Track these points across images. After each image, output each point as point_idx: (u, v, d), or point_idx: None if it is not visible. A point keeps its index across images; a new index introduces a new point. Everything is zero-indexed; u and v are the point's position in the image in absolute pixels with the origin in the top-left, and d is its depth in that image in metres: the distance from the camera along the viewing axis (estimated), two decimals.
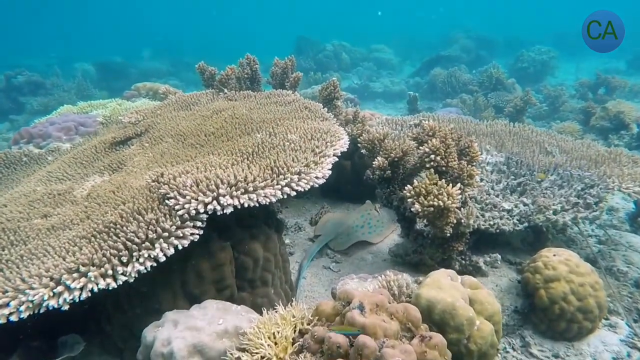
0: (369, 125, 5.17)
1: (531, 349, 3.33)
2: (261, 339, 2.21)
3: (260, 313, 3.04)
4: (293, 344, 2.20)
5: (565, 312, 3.30)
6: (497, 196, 4.31)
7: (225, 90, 5.19)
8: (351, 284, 3.19)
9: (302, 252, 4.52)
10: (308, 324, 2.34)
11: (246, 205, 2.76)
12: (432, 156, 3.33)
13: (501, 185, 4.49)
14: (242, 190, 2.78)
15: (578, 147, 5.00)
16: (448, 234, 3.38)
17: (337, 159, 3.53)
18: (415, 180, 3.32)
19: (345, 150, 3.75)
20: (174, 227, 2.61)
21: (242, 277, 3.13)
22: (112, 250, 2.47)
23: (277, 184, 2.92)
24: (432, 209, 3.09)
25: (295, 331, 2.31)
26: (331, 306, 2.36)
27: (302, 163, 3.16)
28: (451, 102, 11.56)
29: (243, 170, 2.99)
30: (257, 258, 3.12)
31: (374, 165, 3.90)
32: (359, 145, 4.29)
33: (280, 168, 3.02)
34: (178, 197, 2.73)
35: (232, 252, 3.04)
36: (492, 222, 3.79)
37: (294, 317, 2.35)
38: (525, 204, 4.17)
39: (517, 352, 3.36)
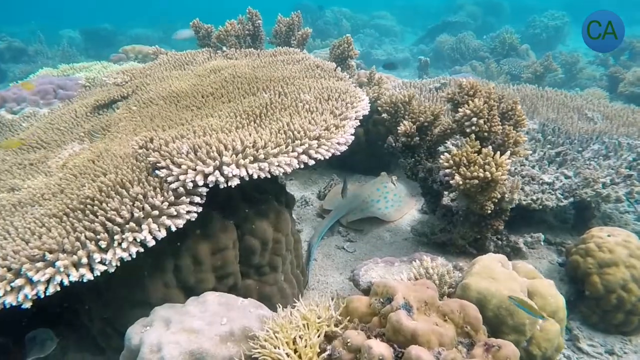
0: (384, 88, 4.60)
1: (580, 343, 2.89)
2: (279, 347, 1.73)
3: (269, 304, 2.57)
4: (319, 353, 1.72)
5: (624, 302, 2.85)
6: (533, 167, 3.80)
7: (224, 48, 4.57)
8: (377, 269, 2.70)
9: (311, 230, 4.03)
10: (336, 326, 1.85)
11: (255, 176, 2.24)
12: (474, 119, 2.80)
13: (536, 155, 3.97)
14: (251, 158, 2.24)
15: (623, 113, 4.47)
16: (489, 211, 2.88)
17: (358, 123, 2.98)
18: (453, 148, 2.79)
19: (367, 113, 3.21)
20: (166, 203, 2.09)
21: (248, 262, 2.63)
22: (87, 233, 1.95)
23: (293, 151, 2.39)
24: (476, 181, 2.58)
25: (320, 335, 1.82)
26: (366, 303, 1.87)
27: (322, 126, 2.62)
28: (460, 69, 10.91)
29: (251, 134, 2.45)
30: (266, 239, 2.62)
31: (398, 131, 3.36)
32: (378, 108, 3.74)
33: (295, 132, 2.48)
34: (171, 166, 2.20)
35: (236, 233, 2.54)
36: (534, 197, 3.29)
37: (319, 317, 1.86)
38: (567, 176, 3.67)
39: (564, 347, 2.92)
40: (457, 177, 2.65)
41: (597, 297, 2.92)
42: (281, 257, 2.75)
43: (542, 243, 3.27)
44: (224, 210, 2.55)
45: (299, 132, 2.48)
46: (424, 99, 4.61)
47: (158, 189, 2.15)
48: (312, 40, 13.95)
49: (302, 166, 2.44)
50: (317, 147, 2.48)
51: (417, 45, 16.20)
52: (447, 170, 2.72)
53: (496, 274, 2.20)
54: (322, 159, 2.50)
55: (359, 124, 4.99)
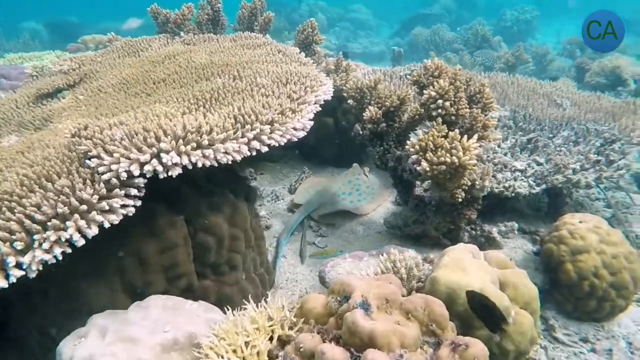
0: (353, 75, 4.41)
1: (555, 332, 2.78)
2: (223, 356, 1.52)
3: (230, 306, 2.36)
4: None
5: (597, 288, 2.75)
6: (506, 155, 3.68)
7: (182, 33, 4.30)
8: (344, 265, 2.51)
9: (282, 225, 3.82)
10: (291, 328, 1.65)
11: (200, 164, 2.01)
12: (440, 102, 2.63)
13: (508, 142, 3.85)
14: (194, 144, 2.02)
15: (589, 100, 4.39)
16: (460, 199, 2.72)
17: (319, 109, 2.79)
18: (420, 132, 2.62)
19: (329, 98, 3.01)
20: (97, 196, 1.84)
21: (204, 260, 2.41)
22: (1, 233, 1.70)
23: (243, 137, 2.18)
24: (443, 167, 2.41)
25: (272, 339, 1.62)
26: (322, 303, 1.68)
27: (276, 110, 2.41)
28: None
29: (197, 119, 2.22)
30: (221, 235, 2.40)
31: (364, 118, 3.18)
32: (344, 95, 3.55)
33: (246, 116, 2.27)
34: (103, 154, 1.95)
35: (186, 229, 2.31)
36: (507, 185, 3.15)
37: (270, 319, 1.66)
38: (538, 163, 3.55)
39: (539, 338, 2.80)
40: (424, 163, 2.47)
41: (571, 285, 2.81)
42: (241, 255, 2.54)
43: (517, 232, 3.14)
44: (172, 204, 2.32)
45: (249, 117, 2.26)
46: (394, 87, 4.45)
47: (88, 181, 1.90)
48: (287, 33, 13.70)
49: (253, 153, 2.22)
50: (270, 133, 2.28)
51: (393, 39, 16.10)
52: (414, 157, 2.55)
53: (466, 266, 2.03)
54: (276, 145, 2.29)
55: (321, 109, 4.82)
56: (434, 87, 2.65)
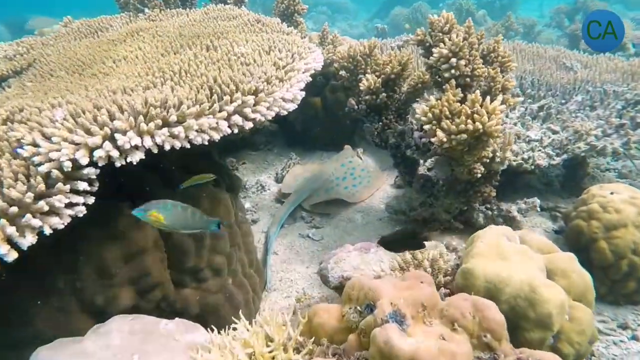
0: (341, 48, 3.98)
1: None
2: None
3: (216, 317, 1.96)
4: None
5: (637, 268, 2.42)
6: (515, 124, 3.32)
7: (147, 10, 3.81)
8: (349, 259, 2.12)
9: (269, 218, 3.40)
10: (297, 351, 1.25)
11: (168, 146, 1.58)
12: (453, 60, 2.23)
13: (517, 111, 3.48)
14: (159, 121, 1.58)
15: (601, 61, 4.06)
16: (479, 175, 2.35)
17: (309, 79, 2.37)
18: (432, 98, 2.22)
19: (320, 67, 2.59)
20: (31, 195, 1.40)
21: (181, 266, 1.98)
22: None
23: (221, 111, 1.75)
24: (463, 136, 2.02)
25: None
26: (336, 315, 1.28)
27: (260, 78, 1.98)
28: None
29: (162, 92, 1.78)
30: (199, 235, 1.97)
31: (360, 89, 2.77)
32: (334, 67, 3.13)
33: (224, 86, 1.84)
34: (38, 140, 1.50)
35: (156, 231, 1.88)
36: (525, 156, 2.79)
37: (270, 341, 1.25)
38: (554, 132, 3.20)
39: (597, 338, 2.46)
40: (440, 133, 2.08)
41: (606, 265, 2.47)
42: (225, 256, 2.12)
43: (538, 209, 2.78)
44: (138, 199, 1.88)
45: (228, 86, 1.83)
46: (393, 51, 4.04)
47: (21, 176, 1.45)
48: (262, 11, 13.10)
49: (235, 131, 1.80)
50: (255, 105, 1.85)
51: (372, 21, 15.64)
52: (427, 127, 2.15)
53: (505, 252, 1.66)
54: (263, 120, 1.87)
55: (313, 94, 4.45)
56: (445, 44, 2.25)
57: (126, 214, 1.79)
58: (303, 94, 2.15)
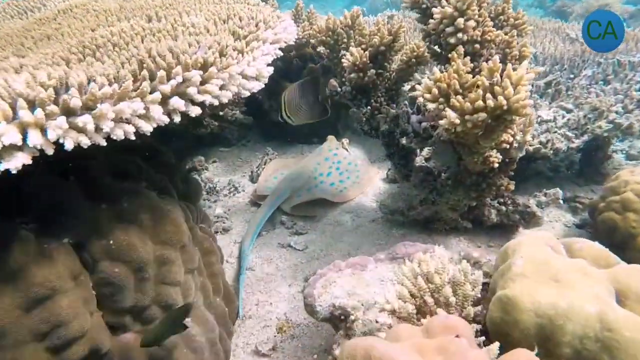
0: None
1: None
2: None
3: None
4: None
5: None
6: None
7: None
8: (341, 281, 1.65)
9: (245, 225, 2.90)
10: None
11: (69, 144, 1.07)
12: (460, 21, 1.76)
13: None
14: (54, 108, 1.07)
15: None
16: (497, 164, 1.89)
17: (280, 53, 1.87)
18: (435, 69, 1.74)
19: (292, 41, 2.10)
20: None
21: (116, 305, 1.47)
22: None
23: (153, 91, 1.24)
24: (482, 115, 1.55)
25: None
26: None
27: (210, 48, 1.47)
28: None
29: (67, 72, 1.26)
30: (139, 261, 1.46)
31: (344, 65, 2.28)
32: (311, 41, 2.64)
33: (159, 59, 1.32)
34: None
35: (78, 259, 1.37)
36: (543, 139, 2.35)
37: None
38: (568, 110, 2.77)
39: None
40: (450, 114, 1.60)
41: None
42: (179, 286, 1.61)
43: (561, 201, 2.34)
44: (46, 219, 1.37)
45: (164, 59, 1.32)
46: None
47: None
48: None
49: (176, 119, 1.29)
50: (203, 84, 1.34)
51: (349, 8, 15.15)
52: (431, 106, 1.68)
53: (559, 272, 1.20)
54: (215, 102, 1.37)
55: (290, 79, 3.94)
56: (449, 1, 1.77)
57: (26, 241, 1.28)
58: (270, 70, 1.66)
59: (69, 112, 1.10)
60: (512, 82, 1.53)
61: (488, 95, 1.55)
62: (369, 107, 2.47)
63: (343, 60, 2.28)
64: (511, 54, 1.88)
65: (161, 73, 1.28)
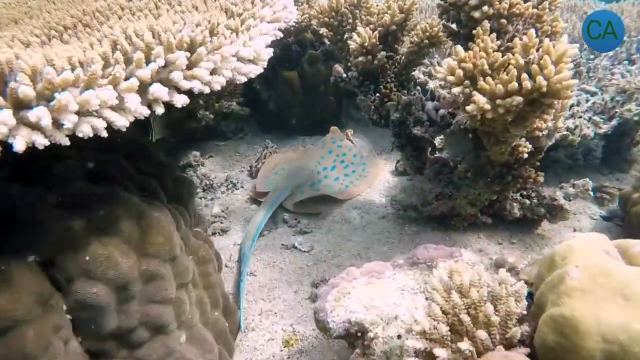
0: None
1: None
2: None
3: None
4: None
5: None
6: None
7: None
8: (356, 292, 1.46)
9: (244, 225, 2.69)
10: None
11: (20, 145, 0.85)
12: None
13: None
14: None
15: (625, 6, 3.42)
16: (525, 155, 1.68)
17: (280, 34, 1.64)
18: (458, 47, 1.51)
19: (293, 21, 1.87)
20: None
21: (97, 330, 1.26)
22: None
23: (129, 77, 1.02)
24: (517, 99, 1.33)
25: None
26: None
27: (198, 26, 1.25)
28: None
29: (18, 54, 1.04)
30: (122, 278, 1.25)
31: (351, 48, 2.05)
32: (312, 23, 2.41)
33: (136, 39, 1.10)
34: None
35: (44, 282, 1.16)
36: (570, 125, 2.14)
37: None
38: (592, 93, 2.55)
39: None
40: (479, 99, 1.38)
41: None
42: (171, 305, 1.40)
43: (591, 193, 2.13)
44: (6, 233, 1.15)
45: (142, 37, 1.10)
46: None
47: None
48: None
49: (158, 110, 1.07)
50: (190, 68, 1.12)
51: None
52: (456, 90, 1.45)
53: (626, 285, 0.99)
54: (206, 90, 1.15)
55: (288, 67, 3.69)
56: None
57: None
58: (270, 52, 1.43)
59: (18, 104, 0.87)
60: (552, 59, 1.31)
61: (524, 75, 1.33)
62: (377, 94, 2.25)
63: (349, 42, 2.05)
64: (542, 29, 1.66)
65: (138, 55, 1.05)
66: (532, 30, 1.37)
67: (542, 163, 2.65)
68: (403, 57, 2.28)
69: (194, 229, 1.89)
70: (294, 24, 3.26)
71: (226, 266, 2.31)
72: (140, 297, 1.33)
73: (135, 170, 1.57)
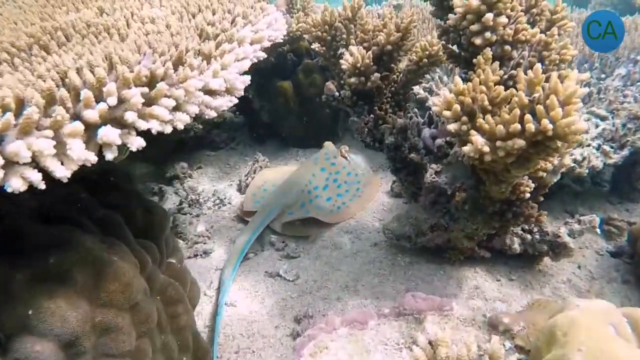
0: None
1: None
2: None
3: None
4: None
5: None
6: None
7: None
8: (335, 348, 1.31)
9: (228, 246, 2.56)
10: None
11: None
12: (489, 16, 1.39)
13: None
14: None
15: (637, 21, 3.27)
16: (527, 195, 1.54)
17: (262, 55, 1.50)
18: (457, 79, 1.37)
19: (281, 39, 1.73)
20: None
21: None
22: None
23: (78, 117, 0.88)
24: (519, 142, 1.19)
25: None
26: None
27: (163, 55, 1.11)
28: None
29: None
30: (70, 334, 1.12)
31: (342, 67, 1.91)
32: (305, 38, 2.27)
33: (87, 70, 0.96)
34: None
35: None
36: (578, 156, 1.99)
37: None
38: (602, 117, 2.41)
39: None
40: (477, 140, 1.24)
41: None
42: (130, 357, 1.26)
43: (598, 231, 1.99)
44: None
45: (94, 73, 0.96)
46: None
47: None
48: None
49: (108, 156, 0.94)
50: (149, 104, 0.98)
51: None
52: (453, 127, 1.31)
53: None
54: (167, 131, 1.01)
55: (282, 77, 3.54)
56: None
57: None
58: (246, 79, 1.29)
59: None
60: (560, 99, 1.16)
61: (527, 116, 1.19)
62: (372, 116, 2.11)
63: (341, 61, 1.91)
64: (549, 58, 1.51)
65: (86, 94, 0.91)
66: (538, 65, 1.22)
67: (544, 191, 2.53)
68: (401, 75, 2.14)
69: (169, 259, 1.75)
70: (289, 32, 3.12)
71: (205, 294, 2.17)
72: (93, 352, 1.19)
73: (100, 201, 1.43)
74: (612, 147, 2.20)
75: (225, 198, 3.02)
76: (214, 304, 2.12)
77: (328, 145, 3.09)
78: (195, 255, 2.47)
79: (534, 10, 1.72)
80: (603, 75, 2.79)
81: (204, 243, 2.58)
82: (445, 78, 3.18)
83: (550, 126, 1.15)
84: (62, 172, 0.87)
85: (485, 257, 2.11)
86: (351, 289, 2.13)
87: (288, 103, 3.37)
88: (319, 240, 2.54)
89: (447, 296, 2.01)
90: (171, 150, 3.39)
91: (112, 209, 1.47)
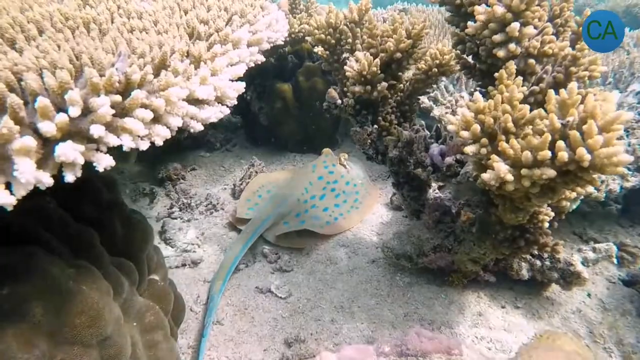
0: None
1: None
2: None
3: None
4: None
5: None
6: None
7: None
8: None
9: (219, 256, 2.41)
10: None
11: None
12: (515, 26, 1.25)
13: None
14: None
15: None
16: (547, 224, 1.40)
17: (261, 59, 1.36)
18: (477, 95, 1.23)
19: (281, 41, 1.59)
20: None
21: None
22: None
23: (33, 128, 0.73)
24: (549, 172, 1.05)
25: None
26: None
27: (142, 57, 0.96)
28: None
29: None
30: None
31: (347, 74, 1.76)
32: (307, 39, 2.12)
33: (48, 73, 0.81)
34: None
35: None
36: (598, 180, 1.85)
37: None
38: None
39: None
40: (499, 166, 1.10)
41: None
42: None
43: (615, 261, 1.85)
44: None
45: (59, 79, 0.81)
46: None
47: None
48: None
49: (69, 178, 0.78)
50: (122, 116, 0.84)
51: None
52: (470, 149, 1.17)
53: None
54: (143, 147, 0.87)
55: (282, 79, 3.38)
56: None
57: None
58: (240, 86, 1.14)
59: None
60: (598, 124, 1.02)
61: (560, 143, 1.04)
62: (375, 126, 1.96)
63: (346, 67, 1.76)
64: (577, 74, 1.37)
65: (42, 101, 0.76)
66: (574, 84, 1.08)
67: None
68: (407, 84, 2.00)
69: (151, 276, 1.61)
70: (291, 34, 2.97)
71: (191, 310, 2.03)
72: None
73: (73, 214, 1.28)
74: (629, 170, 2.07)
75: (218, 203, 2.86)
76: (200, 321, 1.98)
77: (326, 151, 2.95)
78: (184, 265, 2.32)
79: (558, 20, 1.58)
80: (617, 91, 2.66)
81: (194, 251, 2.43)
82: (450, 87, 3.04)
83: (588, 156, 1.01)
84: (6, 199, 0.72)
85: (490, 281, 1.98)
86: (346, 310, 1.99)
87: (287, 107, 3.22)
88: (314, 254, 2.40)
89: (449, 323, 1.88)
90: (164, 150, 3.23)
91: (88, 223, 1.32)
